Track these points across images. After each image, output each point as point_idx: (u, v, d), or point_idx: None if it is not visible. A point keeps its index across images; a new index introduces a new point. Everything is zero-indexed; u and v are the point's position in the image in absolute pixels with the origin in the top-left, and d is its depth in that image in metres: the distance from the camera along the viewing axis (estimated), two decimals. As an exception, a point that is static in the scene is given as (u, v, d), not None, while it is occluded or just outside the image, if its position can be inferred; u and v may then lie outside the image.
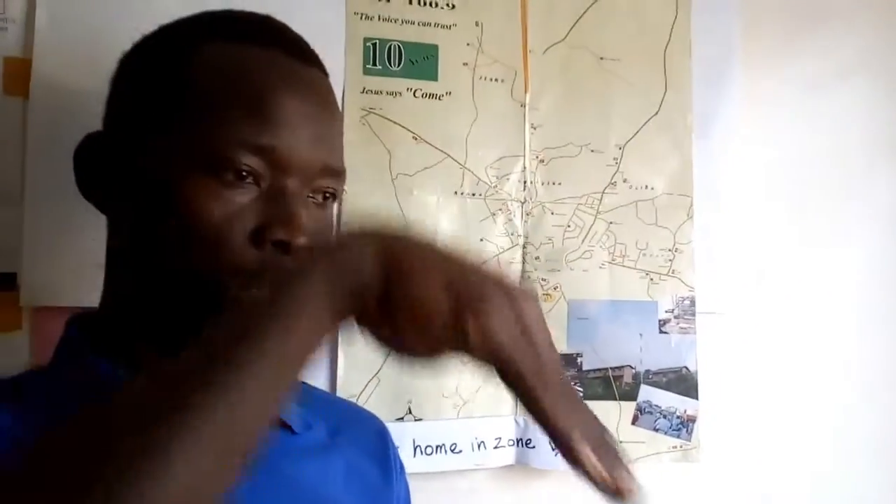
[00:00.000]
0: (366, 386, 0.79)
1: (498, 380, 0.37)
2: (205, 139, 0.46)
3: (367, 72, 0.81)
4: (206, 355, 0.34)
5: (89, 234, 0.67)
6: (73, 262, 0.68)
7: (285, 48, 0.50)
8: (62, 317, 0.66)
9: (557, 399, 0.37)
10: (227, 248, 0.46)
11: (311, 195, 0.50)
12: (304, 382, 0.58)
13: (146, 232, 0.49)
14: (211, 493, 0.32)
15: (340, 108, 0.80)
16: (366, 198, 0.80)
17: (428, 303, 0.36)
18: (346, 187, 0.79)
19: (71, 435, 0.32)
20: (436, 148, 0.83)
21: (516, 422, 0.84)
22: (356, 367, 0.79)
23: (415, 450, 0.79)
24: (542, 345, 0.37)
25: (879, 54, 1.04)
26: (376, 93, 0.81)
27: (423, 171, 0.82)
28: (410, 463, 0.79)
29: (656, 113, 0.90)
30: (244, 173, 0.47)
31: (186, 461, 0.31)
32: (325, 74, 0.54)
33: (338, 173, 0.52)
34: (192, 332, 0.37)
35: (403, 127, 0.82)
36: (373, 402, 0.78)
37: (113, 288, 0.53)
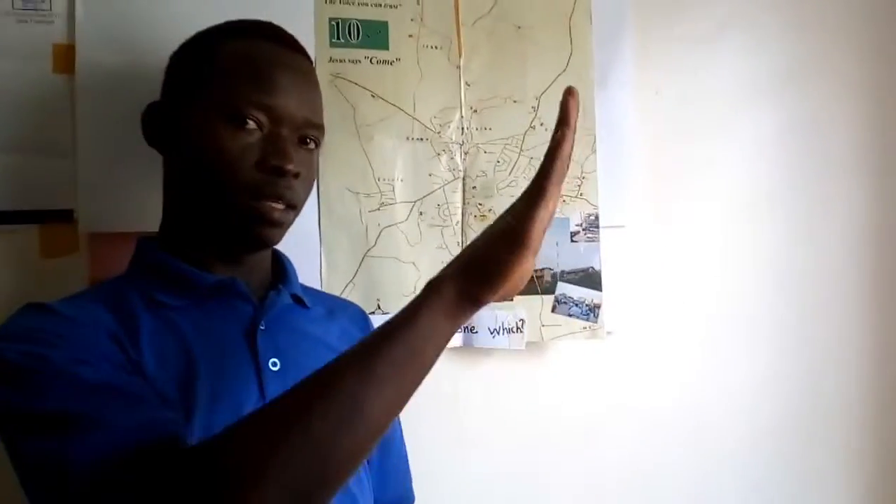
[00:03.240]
0: (344, 288, 1.03)
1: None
2: (226, 100, 0.69)
3: (332, 45, 1.03)
4: (371, 355, 0.53)
5: (129, 175, 0.89)
6: (118, 196, 0.90)
7: (280, 41, 0.73)
8: (112, 240, 0.90)
9: None
10: (240, 173, 0.69)
11: (300, 141, 0.73)
12: (304, 285, 0.82)
13: (190, 166, 0.71)
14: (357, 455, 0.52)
15: (313, 74, 1.02)
16: (336, 144, 1.02)
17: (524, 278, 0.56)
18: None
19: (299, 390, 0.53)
20: (389, 103, 1.05)
21: (462, 314, 1.09)
22: (337, 275, 1.02)
23: (384, 335, 1.04)
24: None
25: (749, 11, 1.27)
26: (340, 61, 1.03)
27: (381, 122, 1.05)
28: (381, 346, 1.03)
29: (564, 70, 1.13)
30: (251, 122, 0.69)
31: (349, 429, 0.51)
32: (309, 60, 0.76)
33: (317, 126, 0.75)
34: (225, 238, 0.63)
35: (363, 87, 1.04)
36: (351, 301, 1.02)
37: (171, 211, 0.75)
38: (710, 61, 1.25)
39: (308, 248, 1.00)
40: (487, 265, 0.54)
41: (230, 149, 0.68)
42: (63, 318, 0.62)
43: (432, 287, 0.56)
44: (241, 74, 0.69)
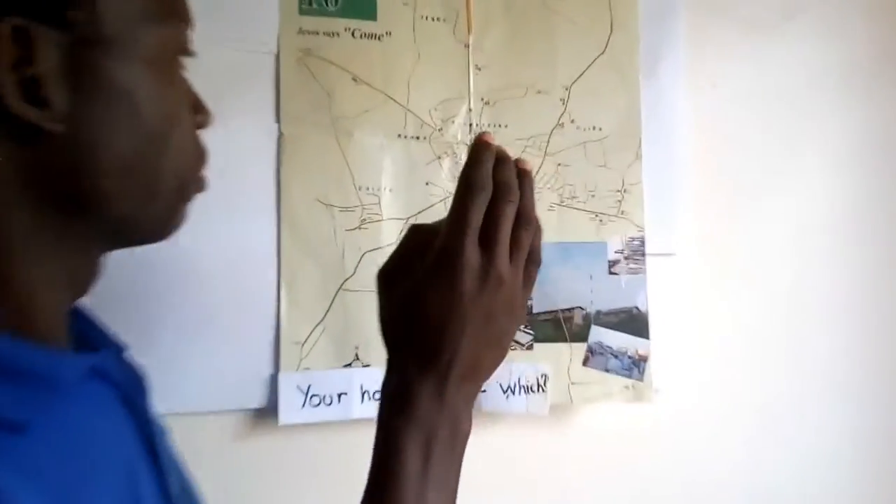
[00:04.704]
0: (311, 333, 0.77)
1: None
2: (162, 36, 0.41)
3: (302, 11, 0.79)
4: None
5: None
6: None
7: None
8: None
9: None
10: (190, 137, 0.43)
11: None
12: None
13: (120, 135, 0.40)
14: None
15: (276, 49, 0.78)
16: (305, 140, 0.78)
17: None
18: (284, 130, 0.78)
19: None
20: (376, 90, 0.81)
21: (467, 366, 0.84)
22: (300, 314, 0.77)
23: (362, 395, 0.78)
24: None
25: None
26: (313, 33, 0.79)
27: (364, 114, 0.80)
28: (358, 409, 0.78)
29: (602, 53, 0.89)
30: (178, 68, 0.43)
31: None
32: None
33: None
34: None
35: (342, 68, 0.80)
36: (319, 350, 0.77)
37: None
38: (775, 51, 1.02)
39: (261, 277, 0.75)
40: (495, 355, 0.48)
41: (179, 108, 0.43)
42: None
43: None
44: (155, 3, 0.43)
